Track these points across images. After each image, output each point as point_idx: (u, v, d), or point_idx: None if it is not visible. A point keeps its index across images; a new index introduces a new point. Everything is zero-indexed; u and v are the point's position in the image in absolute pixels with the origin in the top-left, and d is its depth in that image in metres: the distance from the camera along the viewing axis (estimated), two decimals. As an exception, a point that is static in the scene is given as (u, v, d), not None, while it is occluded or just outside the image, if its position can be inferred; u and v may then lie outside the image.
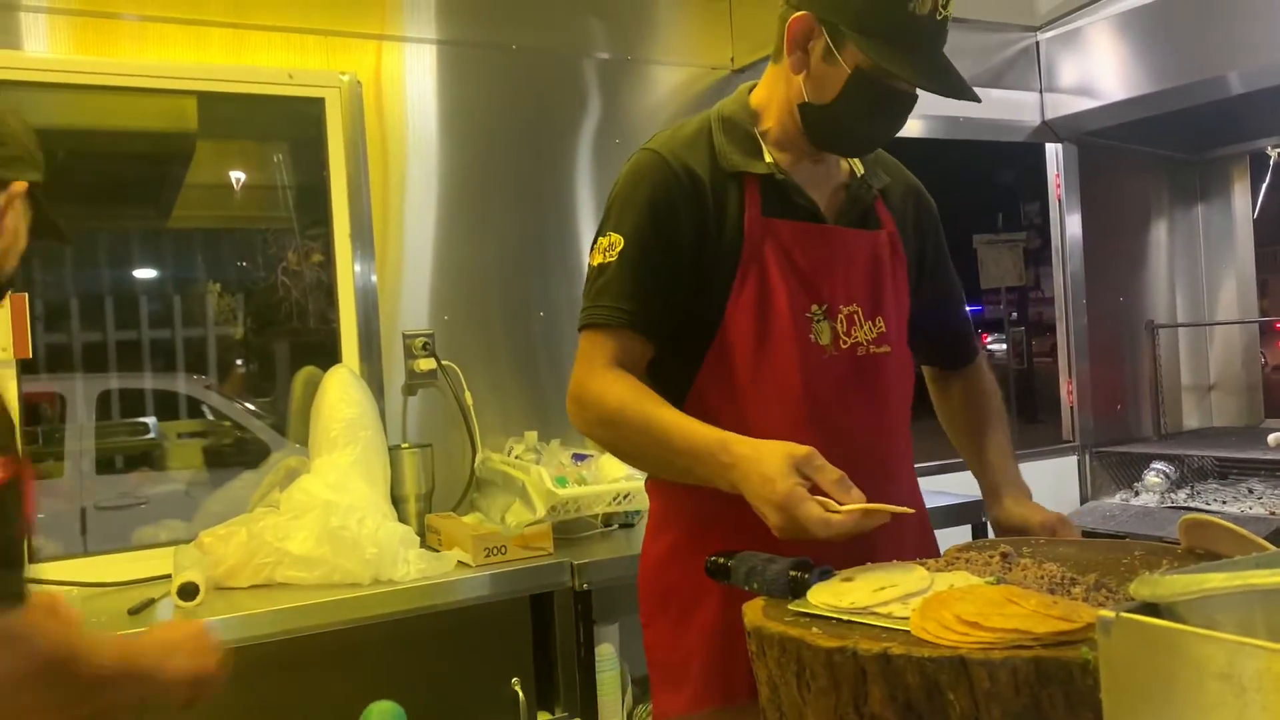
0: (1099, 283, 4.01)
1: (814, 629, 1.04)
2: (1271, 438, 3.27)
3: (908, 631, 1.00)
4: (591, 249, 1.49)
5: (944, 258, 1.70)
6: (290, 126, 2.85)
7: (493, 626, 2.37)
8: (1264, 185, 4.16)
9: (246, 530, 2.19)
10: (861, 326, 1.49)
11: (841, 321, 1.47)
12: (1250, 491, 3.68)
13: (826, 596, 1.11)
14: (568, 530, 2.58)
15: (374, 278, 2.72)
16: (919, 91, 1.44)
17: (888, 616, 1.05)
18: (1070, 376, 3.93)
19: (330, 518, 2.15)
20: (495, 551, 2.30)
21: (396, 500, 2.53)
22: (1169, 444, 4.09)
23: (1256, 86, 3.36)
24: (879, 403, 1.49)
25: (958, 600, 1.02)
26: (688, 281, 1.44)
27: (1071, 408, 3.92)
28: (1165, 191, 4.33)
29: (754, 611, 1.13)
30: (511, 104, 2.97)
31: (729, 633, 1.42)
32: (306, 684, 2.12)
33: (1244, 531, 1.19)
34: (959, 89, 1.39)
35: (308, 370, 2.74)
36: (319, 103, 2.65)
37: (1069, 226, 3.94)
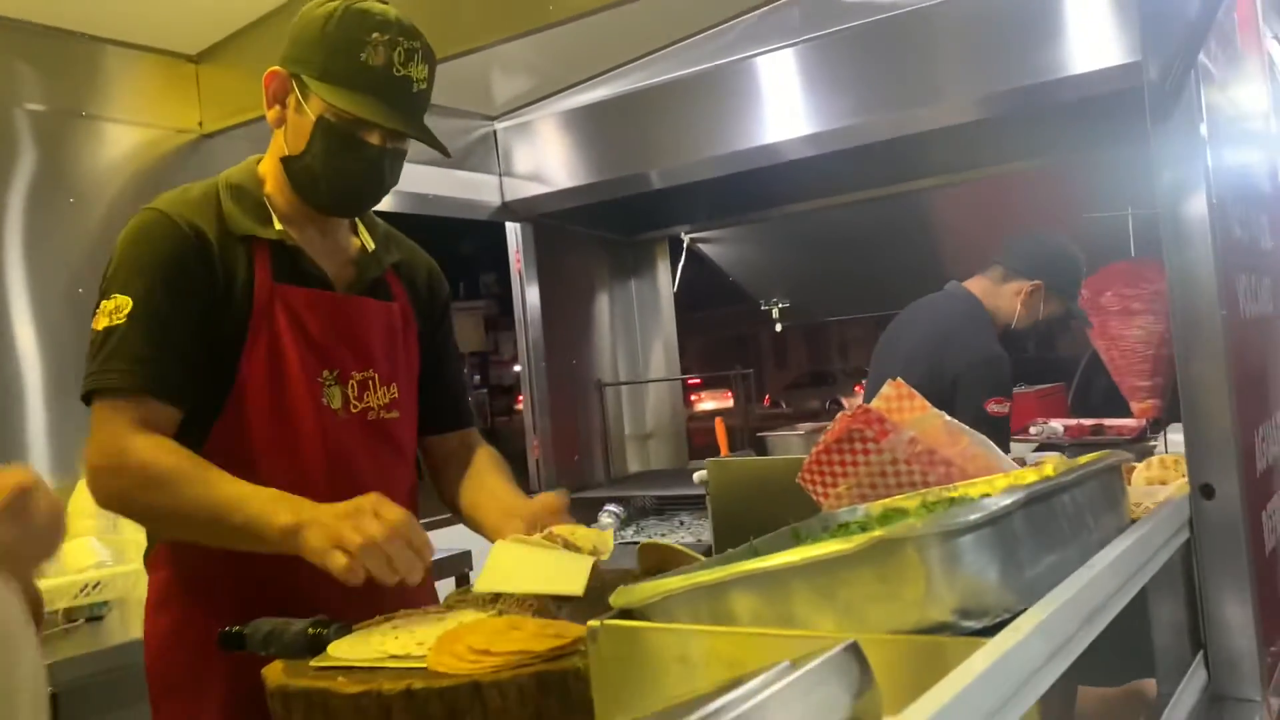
0: (555, 347, 4.46)
1: (339, 679, 1.10)
2: (696, 475, 3.87)
3: (426, 669, 1.11)
4: (94, 313, 1.42)
5: (450, 331, 1.82)
6: None
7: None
8: (680, 265, 4.95)
9: None
10: (375, 392, 1.57)
11: (353, 387, 1.54)
12: (682, 523, 4.30)
13: (346, 650, 1.18)
14: (20, 632, 2.30)
15: None
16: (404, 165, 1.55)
17: (406, 658, 1.14)
18: (535, 432, 4.31)
19: None
20: (-69, 665, 1.99)
21: None
22: (617, 487, 4.64)
23: (671, 183, 4.01)
24: (387, 462, 1.58)
25: (469, 633, 1.14)
26: (200, 342, 1.43)
27: (537, 460, 4.30)
28: (606, 267, 4.95)
29: (275, 673, 1.17)
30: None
31: (240, 708, 1.42)
32: None
33: (688, 550, 1.47)
34: (417, 132, 1.49)
35: None
36: None
37: (529, 297, 4.35)
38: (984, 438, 1.37)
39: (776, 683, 0.60)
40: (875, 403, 1.48)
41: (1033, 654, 0.76)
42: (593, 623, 0.98)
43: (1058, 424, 3.43)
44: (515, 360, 5.45)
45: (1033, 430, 3.41)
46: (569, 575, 1.34)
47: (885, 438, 1.37)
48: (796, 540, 1.22)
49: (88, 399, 1.43)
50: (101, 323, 1.41)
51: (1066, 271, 3.08)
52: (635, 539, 4.20)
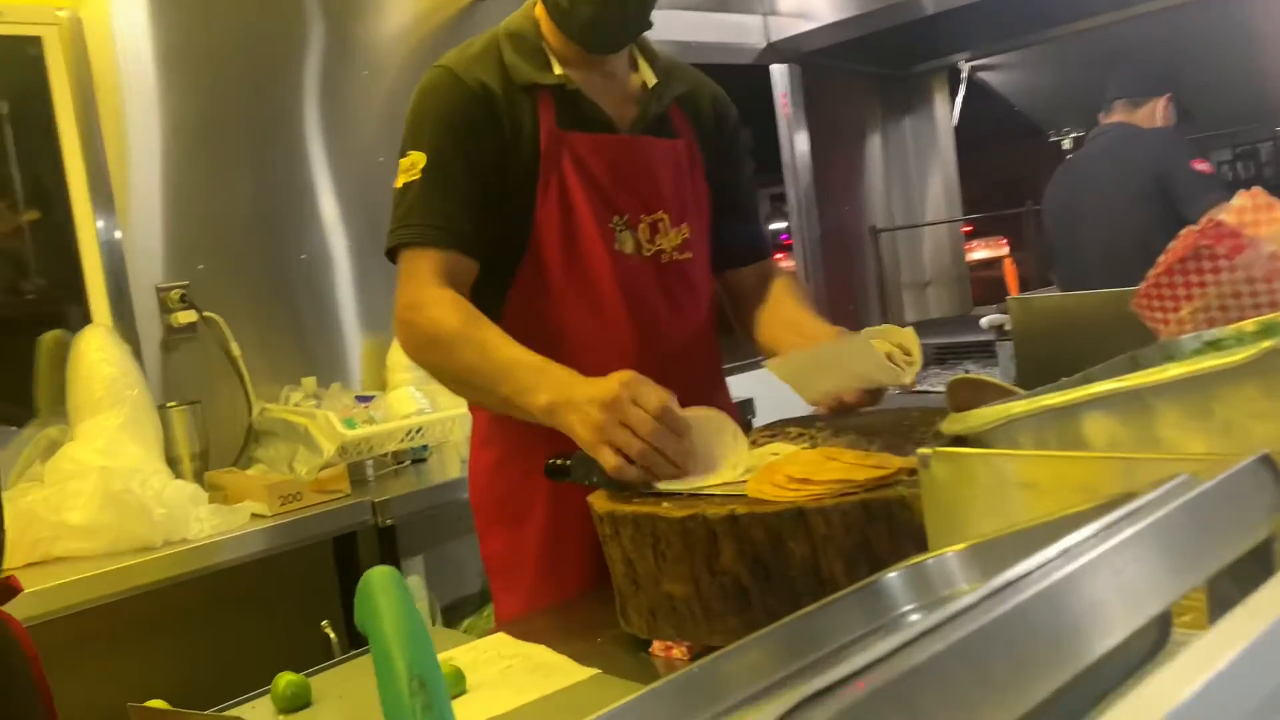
0: (826, 194, 4.34)
1: (664, 504, 1.13)
2: (985, 320, 3.69)
3: (745, 495, 1.11)
4: (397, 173, 1.47)
5: (741, 158, 1.72)
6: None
7: (296, 574, 2.34)
8: (959, 97, 4.62)
9: (11, 507, 2.03)
10: (667, 234, 1.54)
11: (644, 230, 1.52)
12: (966, 372, 4.15)
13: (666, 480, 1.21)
14: (355, 473, 2.55)
15: (118, 233, 2.53)
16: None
17: (724, 485, 1.15)
18: (808, 281, 4.24)
19: (110, 482, 2.03)
20: (291, 499, 2.25)
21: (170, 461, 2.40)
22: (896, 336, 4.53)
23: (946, 6, 3.72)
24: (684, 306, 1.56)
25: (786, 464, 1.13)
26: (492, 196, 1.46)
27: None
28: (878, 106, 4.71)
29: (601, 500, 1.21)
30: (239, 39, 2.79)
31: (559, 533, 1.50)
32: (116, 655, 2.03)
33: (1007, 385, 1.38)
34: None
35: (54, 334, 2.52)
36: (36, 42, 2.41)
37: (797, 144, 4.22)
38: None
39: (1181, 495, 0.53)
40: (1225, 215, 1.31)
41: None
42: (923, 450, 0.93)
43: None
44: (772, 218, 5.35)
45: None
46: (885, 369, 1.32)
47: (1240, 254, 1.22)
48: (1136, 368, 1.12)
49: (392, 255, 1.47)
50: (400, 180, 1.45)
51: (1172, 75, 3.50)
52: (917, 389, 4.08)
